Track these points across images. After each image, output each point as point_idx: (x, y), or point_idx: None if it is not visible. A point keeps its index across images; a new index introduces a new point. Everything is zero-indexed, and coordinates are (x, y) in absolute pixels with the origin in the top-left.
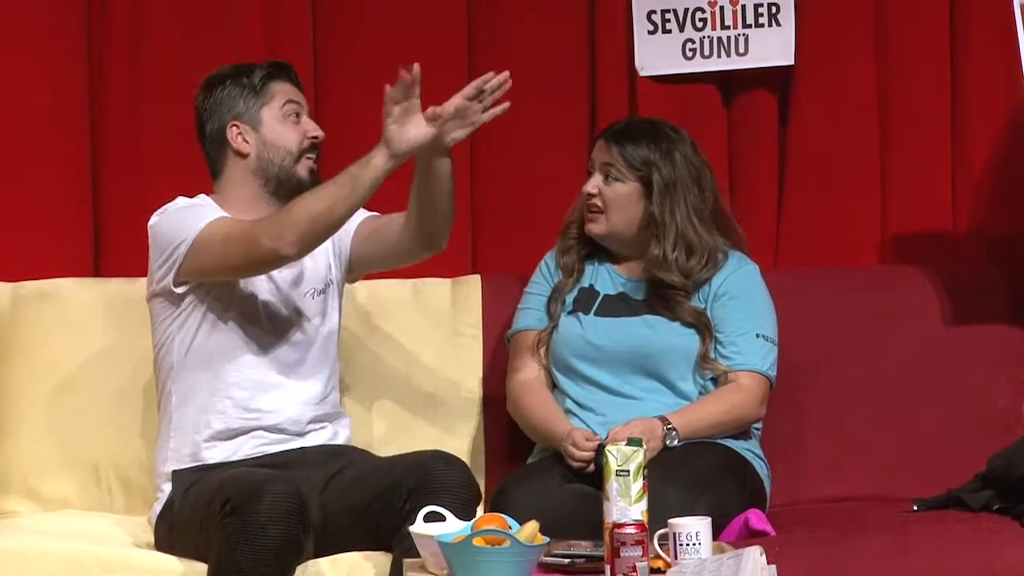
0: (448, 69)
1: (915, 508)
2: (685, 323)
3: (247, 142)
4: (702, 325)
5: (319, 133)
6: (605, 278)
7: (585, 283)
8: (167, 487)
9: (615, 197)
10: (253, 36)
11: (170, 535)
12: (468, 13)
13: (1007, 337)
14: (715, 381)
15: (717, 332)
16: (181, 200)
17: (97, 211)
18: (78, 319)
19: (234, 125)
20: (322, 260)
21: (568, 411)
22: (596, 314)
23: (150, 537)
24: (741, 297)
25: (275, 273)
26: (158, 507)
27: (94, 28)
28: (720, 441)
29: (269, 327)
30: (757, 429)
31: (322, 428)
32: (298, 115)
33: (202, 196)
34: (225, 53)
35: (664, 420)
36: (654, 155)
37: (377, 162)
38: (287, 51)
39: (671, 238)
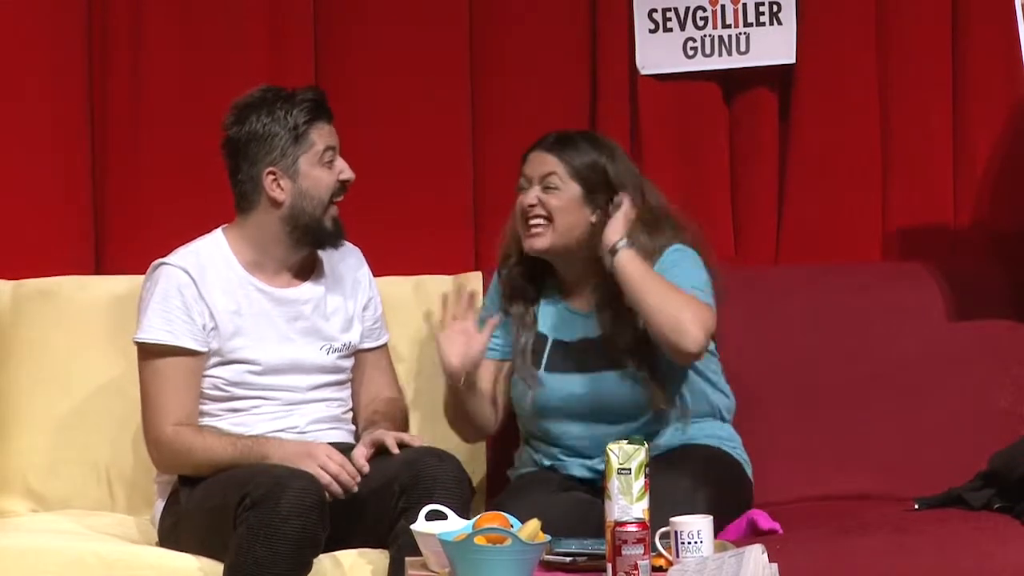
0: (448, 69)
1: (916, 507)
2: (627, 353)
3: (283, 190)
4: (642, 356)
5: (350, 175)
6: (552, 317)
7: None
8: (172, 479)
9: (559, 206)
10: (255, 36)
11: (176, 527)
12: (468, 13)
13: (1009, 334)
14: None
15: None
16: (164, 279)
17: (98, 209)
18: (79, 317)
19: (271, 172)
20: (338, 323)
21: (533, 442)
22: (547, 369)
23: (153, 535)
24: (669, 270)
25: (289, 320)
26: (161, 501)
27: (95, 27)
28: (708, 443)
29: (281, 367)
30: (727, 410)
31: (331, 429)
32: (331, 160)
33: (215, 234)
34: (227, 52)
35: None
36: (598, 158)
37: (267, 452)
38: (289, 51)
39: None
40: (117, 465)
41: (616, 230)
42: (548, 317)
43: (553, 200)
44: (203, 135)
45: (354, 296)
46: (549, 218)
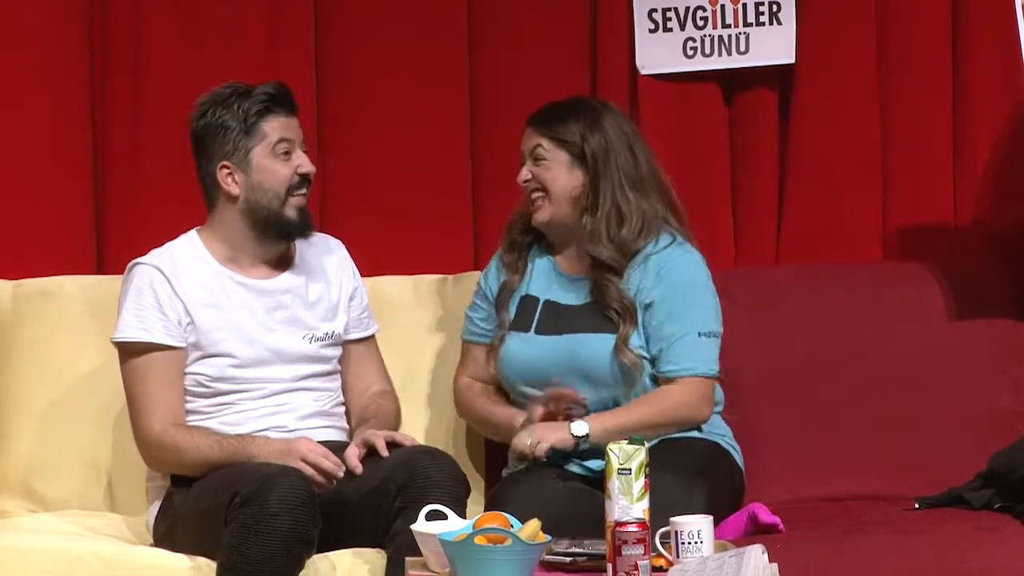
0: (448, 69)
1: (916, 506)
2: (613, 310)
3: (236, 184)
4: (625, 311)
5: (309, 168)
6: (543, 277)
7: (524, 290)
8: (165, 483)
9: (550, 176)
10: (256, 36)
11: (171, 530)
12: (467, 13)
13: (1009, 334)
14: (655, 381)
15: (656, 340)
16: (137, 278)
17: (99, 209)
18: (79, 318)
19: (224, 166)
20: (321, 312)
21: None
22: (536, 331)
23: (150, 536)
24: (675, 300)
25: (269, 311)
26: (156, 504)
27: (96, 28)
28: (701, 435)
29: (264, 359)
30: (718, 407)
31: (321, 427)
32: (287, 152)
33: (189, 234)
34: (227, 54)
35: (578, 433)
36: (581, 127)
37: (253, 452)
38: (289, 52)
39: (602, 206)
40: (117, 466)
41: (560, 439)
42: (540, 278)
43: (544, 172)
44: None
45: (338, 285)
46: (544, 189)
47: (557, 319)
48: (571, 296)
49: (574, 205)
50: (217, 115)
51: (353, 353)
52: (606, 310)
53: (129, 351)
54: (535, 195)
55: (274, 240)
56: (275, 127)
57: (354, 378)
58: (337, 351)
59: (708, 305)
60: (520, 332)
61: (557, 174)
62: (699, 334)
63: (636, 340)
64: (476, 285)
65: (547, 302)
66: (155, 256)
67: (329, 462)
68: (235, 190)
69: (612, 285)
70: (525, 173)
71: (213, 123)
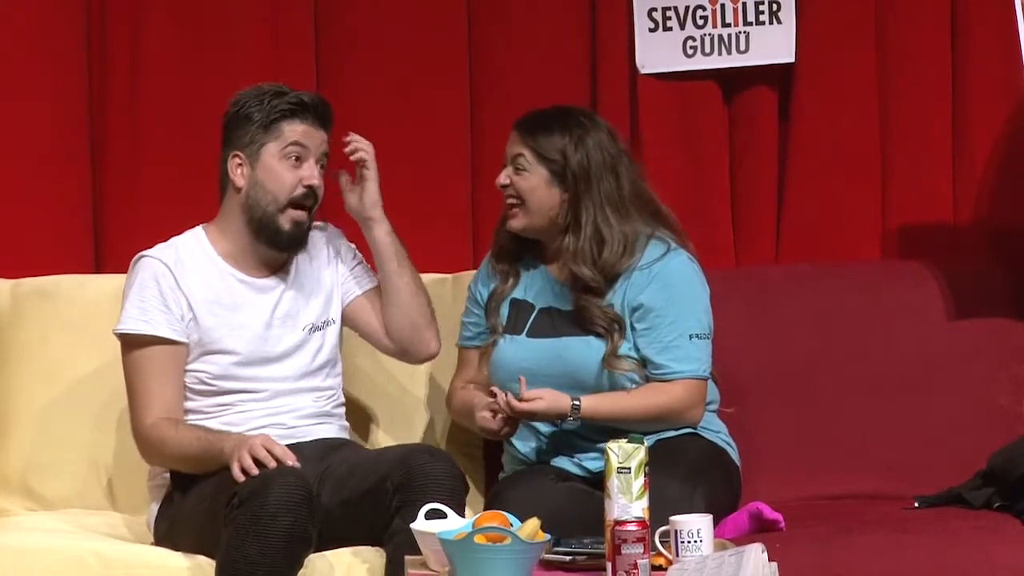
0: (448, 69)
1: (916, 505)
2: (600, 328)
3: (243, 176)
4: (612, 324)
5: (315, 182)
6: (537, 283)
7: (519, 293)
8: (165, 483)
9: (528, 188)
10: (256, 36)
11: (171, 530)
12: (468, 13)
13: (1008, 333)
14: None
15: (648, 343)
16: (142, 271)
17: (97, 208)
18: (78, 316)
19: (236, 155)
20: (320, 303)
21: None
22: (528, 335)
23: (151, 535)
24: (666, 303)
25: (270, 308)
26: (156, 503)
27: (94, 26)
28: (696, 432)
29: (265, 356)
30: (713, 405)
31: (320, 424)
32: (299, 158)
33: (195, 230)
34: (227, 54)
35: (574, 398)
36: (565, 143)
37: (221, 446)
38: (289, 51)
39: (584, 228)
40: (116, 465)
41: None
42: (533, 285)
43: (522, 182)
44: (203, 135)
45: (333, 269)
46: (520, 199)
47: (551, 323)
48: (564, 301)
49: (551, 222)
50: (247, 106)
51: (369, 304)
52: (592, 327)
53: (131, 343)
54: (510, 201)
55: (265, 246)
56: (295, 130)
57: (380, 320)
58: (335, 336)
59: (699, 306)
60: (512, 335)
61: (535, 186)
62: (691, 336)
63: (625, 348)
64: (470, 289)
65: (543, 309)
66: (160, 250)
67: (280, 449)
68: (240, 181)
69: (593, 305)
70: (503, 178)
71: (241, 113)
